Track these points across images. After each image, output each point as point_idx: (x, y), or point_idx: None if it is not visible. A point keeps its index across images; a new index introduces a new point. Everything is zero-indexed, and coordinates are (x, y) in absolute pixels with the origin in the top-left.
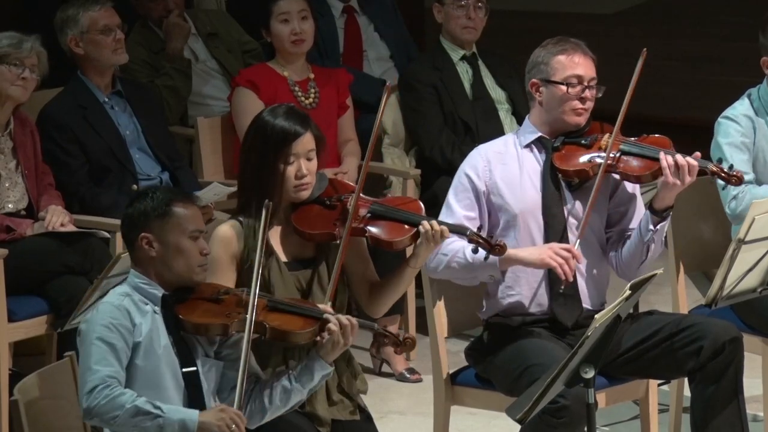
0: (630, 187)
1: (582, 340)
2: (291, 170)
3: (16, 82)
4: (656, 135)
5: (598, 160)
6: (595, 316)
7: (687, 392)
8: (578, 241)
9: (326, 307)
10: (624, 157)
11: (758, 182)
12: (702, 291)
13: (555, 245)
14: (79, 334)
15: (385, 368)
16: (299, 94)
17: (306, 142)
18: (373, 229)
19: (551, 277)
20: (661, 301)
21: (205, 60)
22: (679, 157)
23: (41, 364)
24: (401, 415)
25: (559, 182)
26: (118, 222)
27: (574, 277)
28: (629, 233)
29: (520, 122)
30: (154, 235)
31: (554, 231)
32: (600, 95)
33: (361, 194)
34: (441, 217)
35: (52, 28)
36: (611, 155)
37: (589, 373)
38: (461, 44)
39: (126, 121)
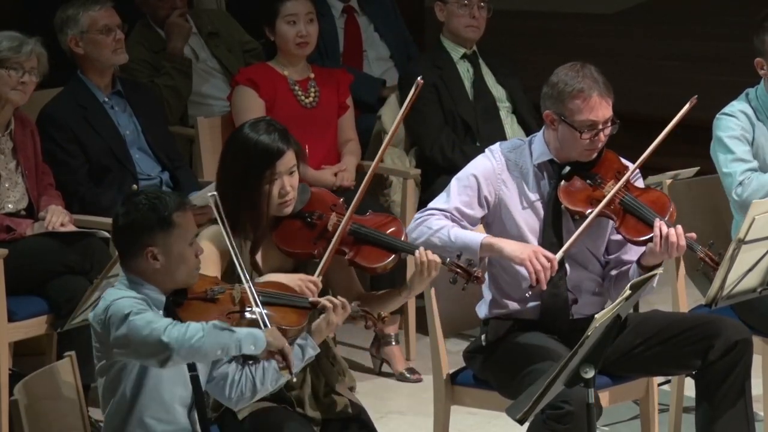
0: None
1: (582, 340)
2: (275, 189)
3: (17, 87)
4: (658, 191)
5: (596, 206)
6: (596, 316)
7: (687, 392)
8: (561, 255)
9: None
10: (623, 213)
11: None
12: (702, 291)
13: (540, 250)
14: (108, 322)
15: (385, 368)
16: (299, 93)
17: (288, 159)
18: (353, 253)
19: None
20: (661, 301)
21: (205, 59)
22: (671, 231)
23: (41, 364)
24: (401, 415)
25: (560, 212)
26: None
27: (567, 291)
28: (628, 266)
29: (520, 121)
30: (159, 248)
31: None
32: (615, 132)
33: (342, 214)
34: (436, 201)
35: (52, 28)
36: (611, 207)
37: (589, 373)
38: (463, 43)
39: (126, 121)
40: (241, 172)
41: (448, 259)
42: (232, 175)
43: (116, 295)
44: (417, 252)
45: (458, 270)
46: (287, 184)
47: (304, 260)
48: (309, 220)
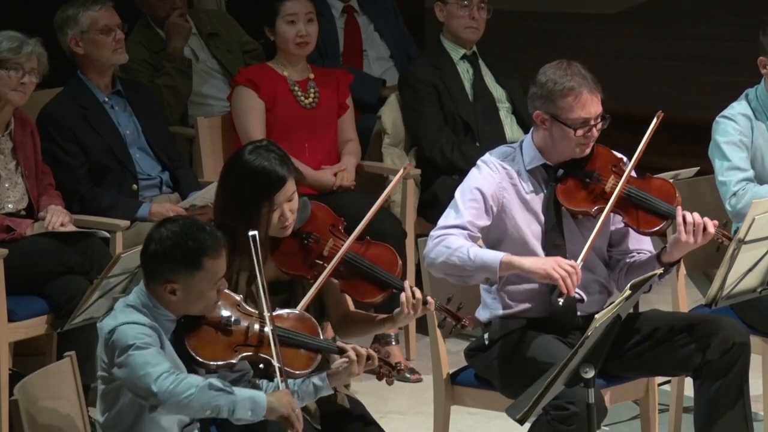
0: None
1: (582, 340)
2: (275, 217)
3: (17, 88)
4: (659, 177)
5: (602, 204)
6: (596, 316)
7: (687, 392)
8: (581, 263)
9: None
10: (630, 206)
11: (758, 182)
12: (702, 291)
13: (559, 259)
14: (113, 345)
15: None
16: (299, 93)
17: (288, 188)
18: (344, 283)
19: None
20: (661, 301)
21: (205, 60)
22: (696, 216)
23: (41, 364)
24: (401, 415)
25: (561, 214)
26: (118, 222)
27: (576, 292)
28: (632, 254)
29: (520, 122)
30: (179, 285)
31: None
32: (605, 126)
33: (340, 238)
34: (445, 217)
35: (52, 28)
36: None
37: (589, 373)
38: (462, 43)
39: (126, 120)
40: (242, 200)
41: (438, 302)
42: (233, 201)
43: (126, 318)
44: (403, 293)
45: (448, 314)
46: (287, 211)
47: (300, 278)
48: (306, 242)
